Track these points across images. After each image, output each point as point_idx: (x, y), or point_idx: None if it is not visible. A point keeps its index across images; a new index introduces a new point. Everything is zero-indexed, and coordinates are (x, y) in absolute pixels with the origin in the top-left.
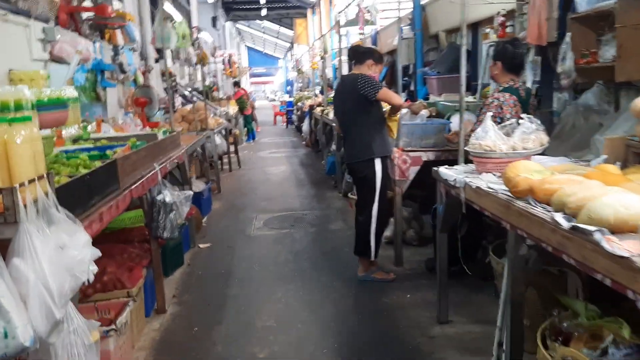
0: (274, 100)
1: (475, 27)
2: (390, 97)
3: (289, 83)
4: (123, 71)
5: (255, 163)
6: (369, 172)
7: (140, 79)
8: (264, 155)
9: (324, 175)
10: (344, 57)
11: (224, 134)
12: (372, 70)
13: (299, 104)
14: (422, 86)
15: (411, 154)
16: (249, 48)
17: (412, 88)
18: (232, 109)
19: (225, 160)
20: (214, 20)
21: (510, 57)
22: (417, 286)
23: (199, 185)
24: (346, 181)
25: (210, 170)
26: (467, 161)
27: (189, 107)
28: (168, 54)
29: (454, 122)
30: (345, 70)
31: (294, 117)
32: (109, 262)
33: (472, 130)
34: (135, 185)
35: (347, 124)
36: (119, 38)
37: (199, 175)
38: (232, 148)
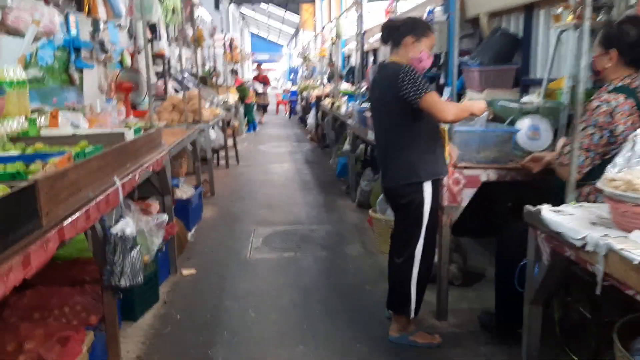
0: (277, 88)
1: (529, 9)
2: (434, 106)
3: (293, 71)
4: (104, 50)
5: (255, 158)
6: (415, 197)
7: (128, 61)
8: (265, 150)
9: (333, 177)
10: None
11: (220, 125)
12: (416, 50)
13: (304, 93)
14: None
15: (465, 171)
16: (253, 34)
17: (441, 81)
18: (232, 97)
19: (222, 154)
20: (217, 1)
21: (632, 43)
22: (474, 356)
23: (186, 191)
24: (362, 189)
25: (203, 165)
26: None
27: (182, 94)
28: (162, 33)
29: (522, 129)
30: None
31: (298, 108)
32: (33, 327)
33: (564, 147)
34: (72, 217)
35: (383, 132)
36: (101, 11)
37: (191, 172)
38: (230, 142)
